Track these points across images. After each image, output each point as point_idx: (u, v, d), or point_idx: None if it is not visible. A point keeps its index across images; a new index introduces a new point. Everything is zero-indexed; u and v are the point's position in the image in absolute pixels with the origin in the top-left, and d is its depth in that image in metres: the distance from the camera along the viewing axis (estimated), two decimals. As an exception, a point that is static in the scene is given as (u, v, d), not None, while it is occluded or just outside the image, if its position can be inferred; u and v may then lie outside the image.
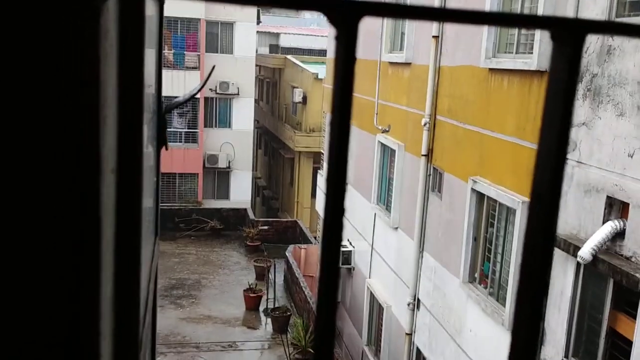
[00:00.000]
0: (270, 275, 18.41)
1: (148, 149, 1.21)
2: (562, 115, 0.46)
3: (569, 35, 0.46)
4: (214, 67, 3.38)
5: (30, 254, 0.51)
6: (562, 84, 0.46)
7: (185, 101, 2.41)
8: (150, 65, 1.32)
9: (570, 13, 6.84)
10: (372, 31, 13.38)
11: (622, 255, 6.06)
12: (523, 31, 8.11)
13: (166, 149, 1.66)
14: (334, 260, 0.46)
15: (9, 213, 0.49)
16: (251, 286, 17.97)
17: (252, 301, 17.69)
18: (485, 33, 8.64)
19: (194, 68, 25.33)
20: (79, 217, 0.51)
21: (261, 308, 17.72)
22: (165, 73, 24.55)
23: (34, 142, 0.48)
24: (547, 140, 0.47)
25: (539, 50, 7.36)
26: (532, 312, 0.48)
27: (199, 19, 25.40)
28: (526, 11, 8.03)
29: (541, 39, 7.34)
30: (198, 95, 25.20)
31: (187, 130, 26.13)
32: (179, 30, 25.52)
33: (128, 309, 0.82)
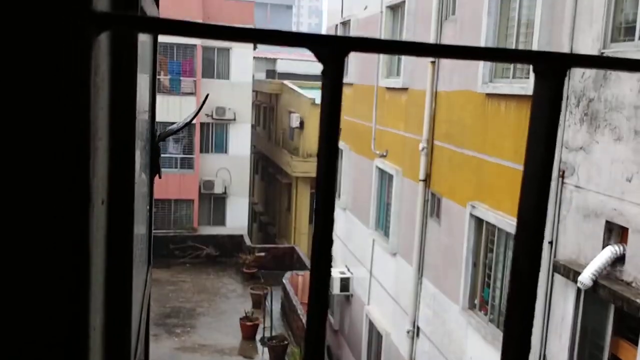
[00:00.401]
0: (267, 303, 18.23)
1: (141, 177, 1.18)
2: (544, 148, 0.47)
3: (550, 69, 0.46)
4: (207, 96, 3.38)
5: (15, 283, 0.51)
6: (544, 118, 0.47)
7: (179, 129, 2.39)
8: (144, 92, 1.29)
9: (565, 38, 6.89)
10: (368, 57, 13.48)
11: (622, 280, 6.00)
12: (519, 56, 8.15)
13: (159, 177, 1.61)
14: (324, 287, 0.46)
15: None
16: (247, 314, 17.77)
17: (249, 330, 17.48)
18: (481, 58, 8.67)
19: (190, 93, 25.44)
20: (68, 249, 0.51)
21: (258, 337, 17.50)
22: (162, 98, 24.66)
23: (22, 175, 0.48)
24: (532, 170, 0.48)
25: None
26: (521, 336, 0.48)
27: (195, 45, 25.60)
28: (522, 36, 8.08)
29: (537, 64, 7.37)
30: (194, 121, 25.26)
31: (182, 155, 26.13)
32: (175, 56, 25.70)
33: (119, 339, 0.80)
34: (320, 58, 0.40)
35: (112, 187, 0.64)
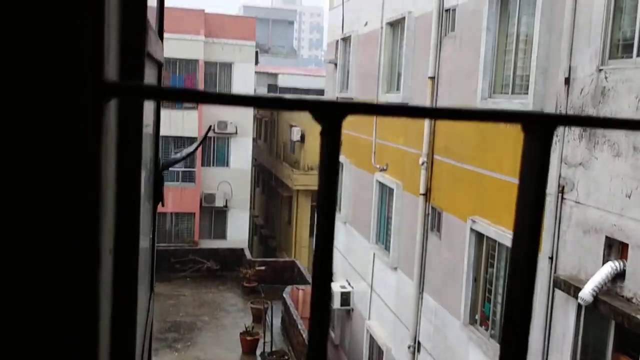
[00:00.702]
0: (267, 318, 18.16)
1: (144, 207, 1.21)
2: (534, 203, 0.49)
3: (539, 128, 0.49)
4: (210, 127, 3.43)
5: (26, 341, 0.52)
6: (534, 176, 0.49)
7: (182, 159, 2.42)
8: (148, 117, 1.31)
9: (564, 55, 6.94)
10: (369, 72, 13.56)
11: (622, 296, 5.99)
12: (518, 72, 8.21)
13: (162, 205, 1.64)
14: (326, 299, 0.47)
15: (6, 300, 0.50)
16: (248, 329, 17.69)
17: (249, 345, 17.39)
18: (481, 74, 8.74)
19: (192, 108, 25.52)
20: (77, 303, 0.52)
21: (258, 352, 17.41)
22: (164, 113, 24.53)
23: (35, 231, 0.50)
24: (521, 225, 0.50)
25: (535, 90, 7.43)
26: (517, 351, 0.50)
27: (198, 60, 25.73)
28: (521, 52, 8.14)
29: (536, 80, 7.42)
30: (196, 135, 25.32)
31: (184, 169, 26.17)
32: (177, 71, 25.83)
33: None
34: (319, 120, 0.42)
35: (118, 237, 0.66)
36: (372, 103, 0.45)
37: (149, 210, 1.49)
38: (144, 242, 1.30)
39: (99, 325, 0.52)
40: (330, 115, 0.43)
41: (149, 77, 1.20)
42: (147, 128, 1.30)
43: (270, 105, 0.42)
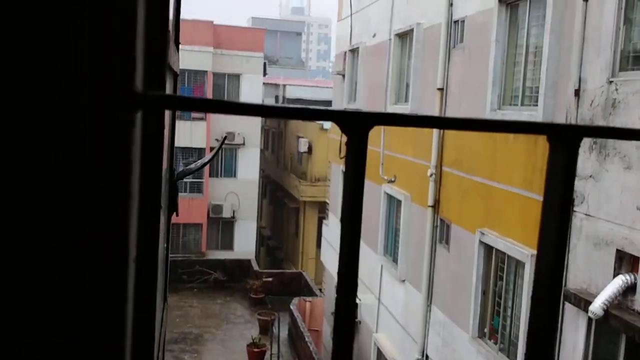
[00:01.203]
0: (274, 329, 18.10)
1: (161, 218, 1.20)
2: (559, 215, 0.49)
3: (564, 139, 0.48)
4: (225, 137, 3.45)
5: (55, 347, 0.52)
6: (559, 186, 0.48)
7: (197, 169, 2.42)
8: (165, 132, 1.32)
9: (574, 67, 6.91)
10: (377, 83, 13.58)
11: (634, 310, 5.93)
12: (528, 83, 8.19)
13: (177, 215, 1.64)
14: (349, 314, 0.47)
15: (39, 305, 0.50)
16: (254, 341, 17.62)
17: (256, 356, 17.32)
18: (490, 85, 8.73)
19: (201, 119, 25.64)
20: (107, 313, 0.52)
21: (265, 363, 17.33)
22: (172, 124, 24.80)
23: (67, 242, 0.50)
24: (547, 239, 0.49)
25: (544, 102, 7.41)
26: None
27: (206, 71, 25.87)
28: (530, 64, 8.12)
29: (546, 92, 7.40)
30: (204, 145, 25.41)
31: (192, 180, 26.24)
32: (186, 82, 25.96)
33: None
34: (345, 131, 0.42)
35: (140, 247, 0.66)
36: (399, 113, 0.45)
37: (165, 220, 1.48)
38: (160, 253, 1.29)
39: (126, 337, 0.52)
40: (357, 125, 0.42)
41: (167, 87, 1.20)
42: (165, 140, 1.30)
43: (296, 116, 0.41)
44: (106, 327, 0.51)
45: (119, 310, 0.52)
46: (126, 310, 0.52)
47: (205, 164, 2.57)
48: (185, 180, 26.15)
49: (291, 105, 0.41)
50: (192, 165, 2.48)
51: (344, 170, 0.44)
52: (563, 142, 0.49)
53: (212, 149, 26.26)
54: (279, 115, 0.41)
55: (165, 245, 1.59)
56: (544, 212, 0.50)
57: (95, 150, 0.48)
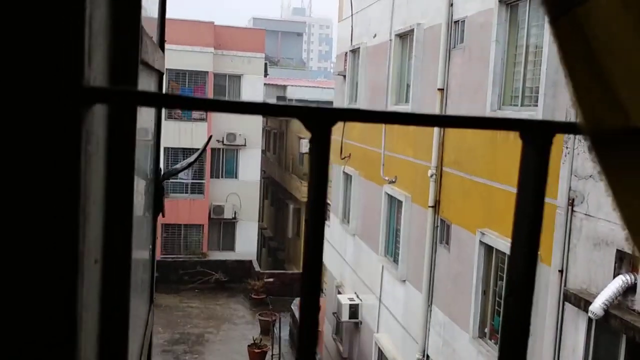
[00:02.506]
0: (275, 330, 18.10)
1: (144, 218, 1.19)
2: (533, 211, 0.48)
3: (536, 135, 0.48)
4: (210, 137, 3.46)
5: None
6: (532, 182, 0.48)
7: (183, 169, 2.42)
8: (148, 128, 1.30)
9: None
10: (378, 83, 13.58)
11: (634, 310, 5.92)
12: (528, 83, 8.19)
13: (163, 216, 1.63)
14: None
15: None
16: (256, 341, 17.63)
17: (257, 357, 17.32)
18: (490, 85, 8.72)
19: (202, 120, 25.65)
20: (56, 311, 0.51)
21: (266, 363, 17.34)
22: (174, 124, 24.87)
23: (10, 236, 0.49)
24: (519, 236, 0.49)
25: (544, 102, 7.40)
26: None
27: (207, 72, 25.88)
28: (530, 64, 8.11)
29: (546, 92, 7.39)
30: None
31: (193, 181, 26.25)
32: (187, 83, 25.97)
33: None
34: (308, 127, 0.42)
35: (107, 247, 0.65)
36: (361, 109, 0.45)
37: (149, 220, 1.47)
38: (143, 254, 1.29)
39: (78, 333, 0.52)
40: (319, 122, 0.41)
41: (146, 85, 1.19)
42: (147, 138, 1.28)
43: (257, 111, 0.41)
44: (53, 327, 0.50)
45: (67, 311, 0.51)
46: (75, 311, 0.51)
47: (191, 164, 2.57)
48: (186, 181, 26.17)
49: (252, 101, 0.41)
50: (178, 165, 2.48)
51: (309, 163, 0.44)
52: (535, 138, 0.49)
53: (213, 149, 26.28)
54: (238, 110, 0.41)
55: (151, 247, 1.58)
56: (517, 209, 0.50)
57: (39, 145, 0.47)
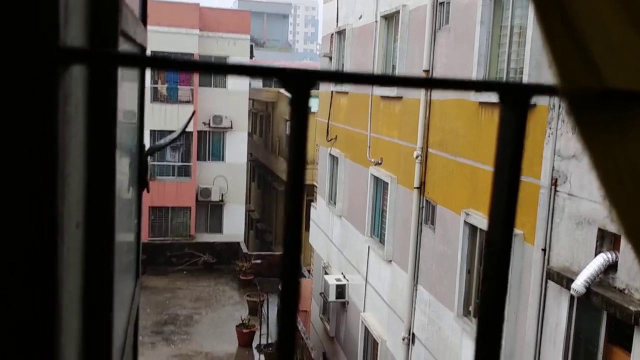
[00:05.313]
0: (263, 310, 18.21)
1: (129, 192, 1.20)
2: (510, 172, 0.50)
3: (514, 98, 0.49)
4: (194, 112, 3.44)
5: None
6: (510, 144, 0.49)
7: (167, 145, 2.43)
8: (130, 104, 1.31)
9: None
10: (364, 65, 13.55)
11: (615, 287, 6.03)
12: (512, 64, 8.23)
13: (147, 191, 1.65)
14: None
15: None
16: (244, 321, 17.74)
17: (245, 337, 17.45)
18: (475, 66, 8.75)
19: (188, 102, 25.47)
20: (36, 275, 0.50)
21: (254, 344, 17.47)
22: (160, 107, 24.69)
23: None
24: (498, 197, 0.51)
25: (528, 81, 7.43)
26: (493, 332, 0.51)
27: (193, 54, 25.64)
28: (514, 45, 8.15)
29: (530, 73, 7.44)
30: (191, 129, 25.28)
31: (180, 163, 26.14)
32: (172, 65, 25.71)
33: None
34: (287, 88, 0.43)
35: (89, 210, 0.65)
36: (339, 72, 0.46)
37: (135, 196, 1.49)
38: (128, 228, 1.31)
39: (59, 296, 0.52)
40: (299, 82, 0.42)
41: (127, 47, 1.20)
42: (130, 113, 1.29)
43: (237, 72, 0.42)
44: (33, 288, 0.50)
45: (47, 272, 0.50)
46: (56, 271, 0.51)
47: (174, 140, 2.58)
48: (173, 163, 26.05)
49: (232, 63, 0.42)
50: (162, 141, 2.49)
51: (289, 132, 0.45)
52: (513, 100, 0.50)
53: (199, 132, 26.15)
54: (218, 71, 0.42)
55: (137, 221, 1.60)
56: (496, 173, 0.52)
57: (10, 103, 0.47)
